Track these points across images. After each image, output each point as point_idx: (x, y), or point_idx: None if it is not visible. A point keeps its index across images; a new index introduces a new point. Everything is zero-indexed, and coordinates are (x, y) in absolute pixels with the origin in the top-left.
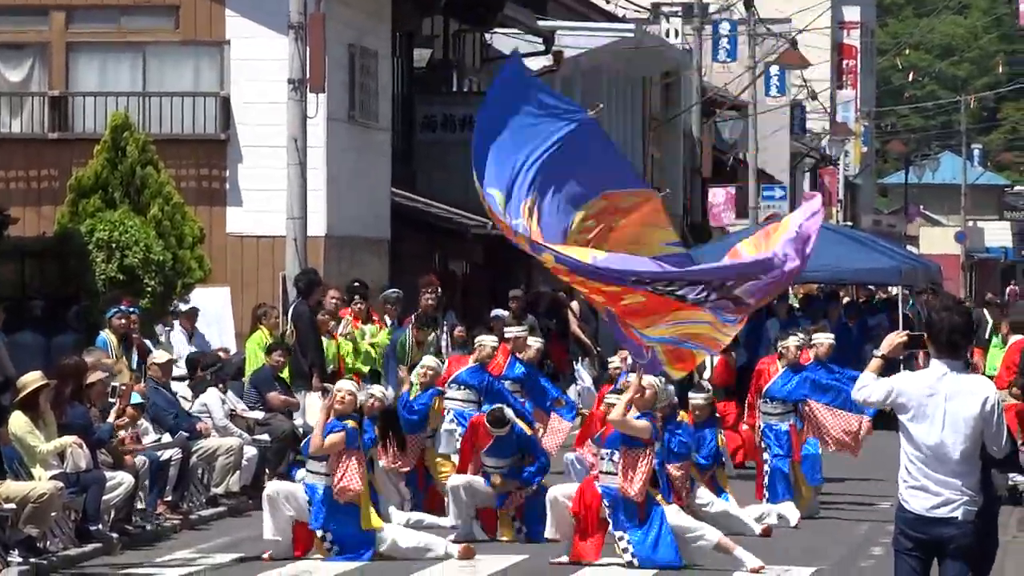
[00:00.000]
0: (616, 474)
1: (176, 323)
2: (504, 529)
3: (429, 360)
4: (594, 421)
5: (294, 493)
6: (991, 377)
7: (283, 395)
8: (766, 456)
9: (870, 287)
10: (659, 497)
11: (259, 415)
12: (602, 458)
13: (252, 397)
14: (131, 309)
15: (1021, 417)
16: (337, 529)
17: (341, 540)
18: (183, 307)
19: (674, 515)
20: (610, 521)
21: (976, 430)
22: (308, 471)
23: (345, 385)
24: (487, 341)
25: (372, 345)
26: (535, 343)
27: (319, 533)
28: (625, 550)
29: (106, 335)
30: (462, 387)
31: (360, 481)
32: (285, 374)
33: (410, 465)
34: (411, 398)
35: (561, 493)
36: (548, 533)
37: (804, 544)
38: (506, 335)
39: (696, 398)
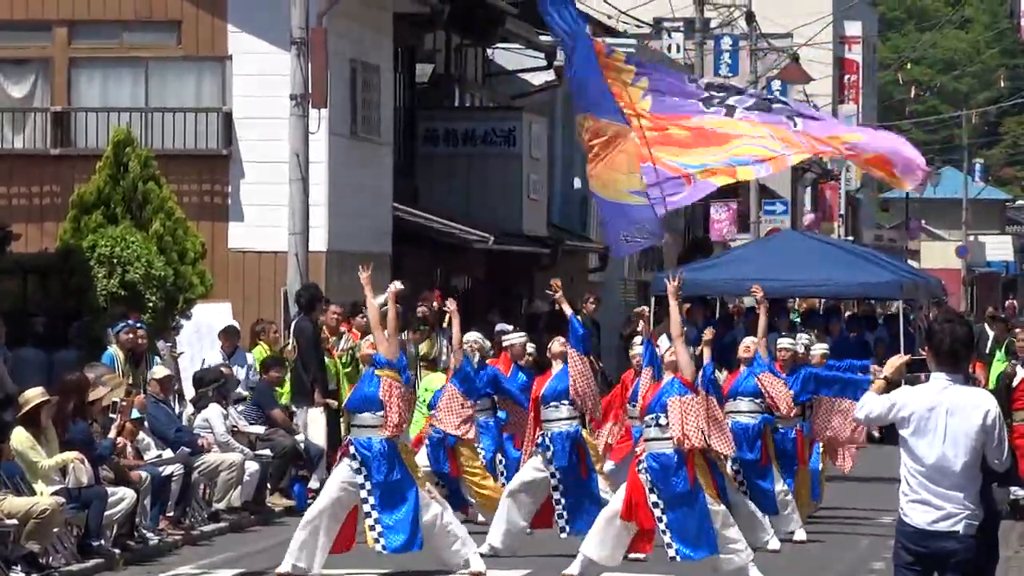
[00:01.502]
0: (665, 438)
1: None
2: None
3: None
4: (613, 408)
5: (339, 491)
6: (993, 392)
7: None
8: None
9: (871, 302)
10: (710, 492)
11: (260, 430)
12: (648, 425)
13: (253, 413)
14: (138, 324)
15: None
16: (378, 477)
17: (380, 488)
18: (184, 322)
19: (723, 518)
20: (654, 494)
21: (977, 444)
22: (355, 427)
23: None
24: (516, 339)
25: None
26: (530, 347)
27: (363, 495)
28: (665, 532)
29: (113, 351)
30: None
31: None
32: (286, 389)
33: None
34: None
35: (607, 512)
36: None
37: (806, 559)
38: (504, 343)
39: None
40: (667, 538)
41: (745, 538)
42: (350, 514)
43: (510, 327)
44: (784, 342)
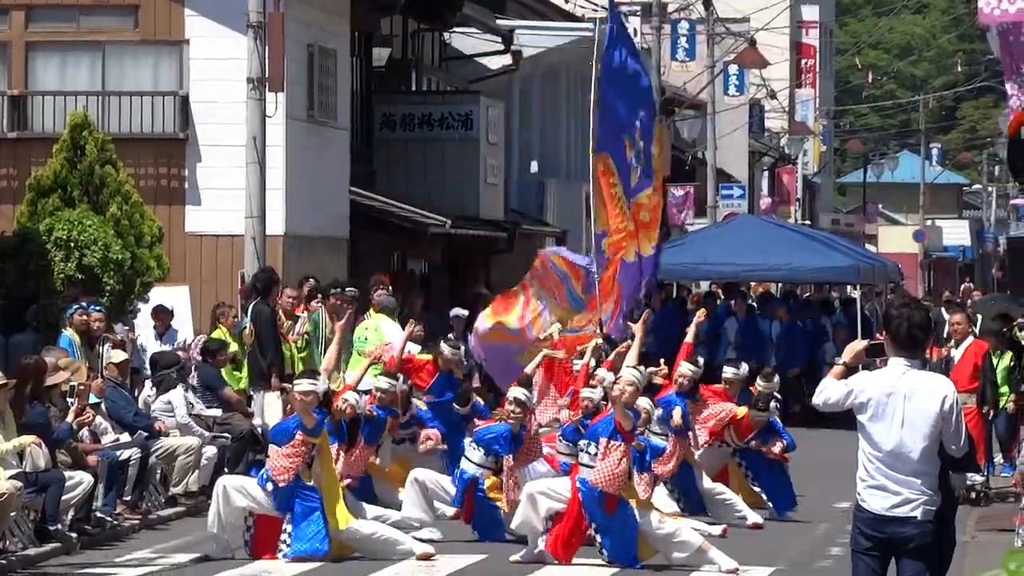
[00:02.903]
0: (593, 467)
1: (150, 321)
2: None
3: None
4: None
5: (248, 485)
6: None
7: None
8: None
9: (825, 287)
10: (633, 500)
11: (217, 412)
12: (581, 449)
13: (205, 396)
14: (95, 307)
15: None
16: (295, 516)
17: (298, 530)
18: (142, 306)
19: (654, 519)
20: (585, 515)
21: (935, 429)
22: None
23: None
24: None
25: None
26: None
27: (280, 515)
28: (600, 551)
29: (69, 333)
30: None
31: (293, 469)
32: (244, 373)
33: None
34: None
35: (539, 490)
36: (514, 525)
37: (762, 544)
38: (445, 354)
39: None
40: (598, 543)
41: (722, 518)
42: (272, 521)
43: (465, 312)
44: (728, 372)
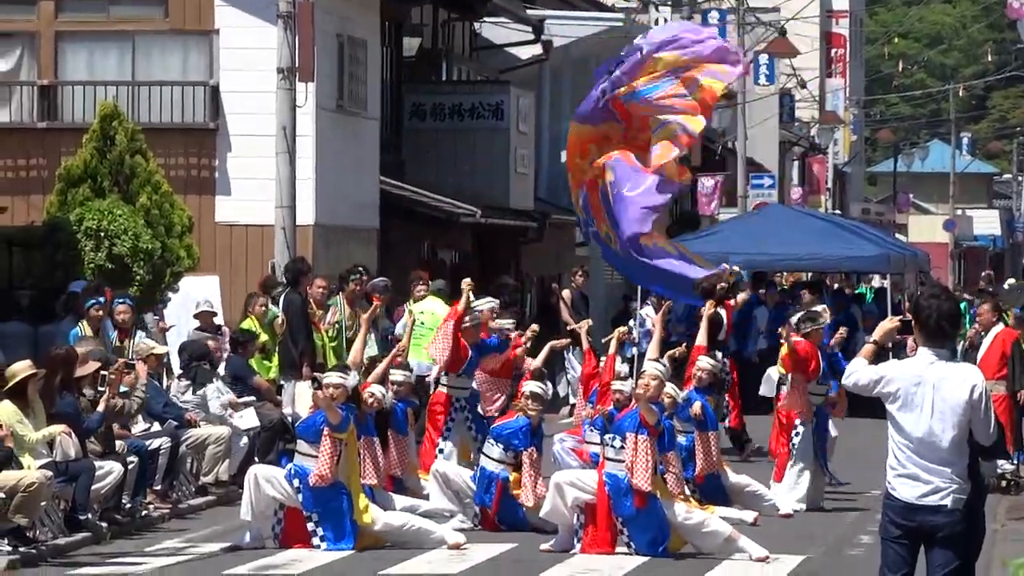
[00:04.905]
0: (621, 461)
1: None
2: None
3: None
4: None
5: (279, 476)
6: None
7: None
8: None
9: (851, 277)
10: (660, 492)
11: (250, 400)
12: (606, 443)
13: (235, 388)
14: (120, 299)
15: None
16: (323, 514)
17: (328, 526)
18: (172, 295)
19: (681, 510)
20: (612, 508)
21: (964, 418)
22: (299, 453)
23: (332, 378)
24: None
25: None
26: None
27: (306, 514)
28: (628, 544)
29: (81, 326)
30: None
31: (332, 469)
32: (275, 362)
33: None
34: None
35: (566, 480)
36: (542, 514)
37: (793, 532)
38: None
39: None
40: (625, 537)
41: (752, 507)
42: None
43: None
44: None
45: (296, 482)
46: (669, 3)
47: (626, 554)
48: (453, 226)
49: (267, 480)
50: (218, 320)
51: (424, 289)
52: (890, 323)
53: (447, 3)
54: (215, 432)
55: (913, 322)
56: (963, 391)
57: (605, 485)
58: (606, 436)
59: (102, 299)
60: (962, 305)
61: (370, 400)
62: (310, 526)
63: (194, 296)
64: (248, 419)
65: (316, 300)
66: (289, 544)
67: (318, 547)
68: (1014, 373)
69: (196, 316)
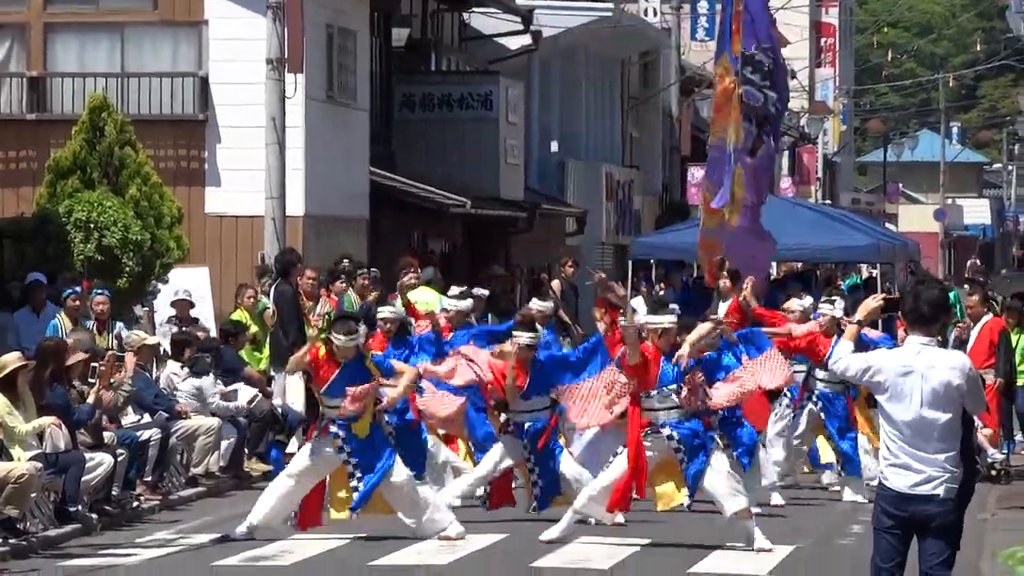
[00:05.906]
0: (679, 407)
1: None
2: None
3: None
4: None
5: (307, 455)
6: None
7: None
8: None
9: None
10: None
11: (240, 386)
12: (664, 396)
13: (225, 379)
14: (98, 291)
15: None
16: (358, 449)
17: (361, 458)
18: (162, 287)
19: (726, 464)
20: (680, 461)
21: (956, 403)
22: (329, 408)
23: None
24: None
25: None
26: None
27: (348, 470)
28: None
29: (59, 318)
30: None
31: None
32: (265, 354)
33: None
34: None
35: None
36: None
37: (784, 522)
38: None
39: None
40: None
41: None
42: (315, 489)
43: (485, 292)
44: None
45: (342, 432)
46: None
47: (623, 544)
48: (443, 216)
49: (314, 467)
50: (195, 312)
51: (415, 277)
52: (874, 302)
53: None
54: (205, 423)
55: (900, 311)
56: (952, 376)
57: (673, 438)
58: (664, 390)
59: (78, 289)
60: (952, 294)
61: (384, 324)
62: (352, 470)
63: (184, 287)
64: (245, 393)
65: (306, 291)
66: (306, 524)
67: (356, 489)
68: (1000, 362)
69: (173, 304)
